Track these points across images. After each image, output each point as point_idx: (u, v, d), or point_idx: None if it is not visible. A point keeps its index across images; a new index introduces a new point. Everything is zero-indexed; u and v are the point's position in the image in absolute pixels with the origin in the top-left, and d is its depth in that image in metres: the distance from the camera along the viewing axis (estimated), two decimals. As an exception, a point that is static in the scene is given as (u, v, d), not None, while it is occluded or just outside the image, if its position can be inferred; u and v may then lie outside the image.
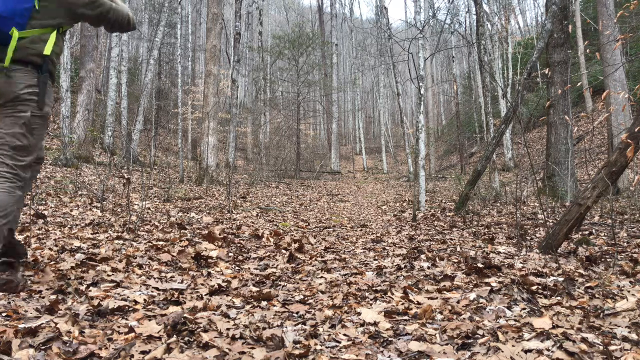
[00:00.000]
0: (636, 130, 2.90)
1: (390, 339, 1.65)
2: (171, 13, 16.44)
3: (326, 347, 1.56)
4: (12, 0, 1.92)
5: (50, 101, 2.12)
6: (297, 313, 1.96)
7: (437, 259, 3.11)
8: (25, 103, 2.00)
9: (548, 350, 1.49)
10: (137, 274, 2.48)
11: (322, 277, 2.66)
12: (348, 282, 2.50)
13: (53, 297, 1.92)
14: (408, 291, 2.26)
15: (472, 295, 2.12)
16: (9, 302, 1.81)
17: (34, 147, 2.07)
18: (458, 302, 2.05)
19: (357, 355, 1.50)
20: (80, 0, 2.12)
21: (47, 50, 2.03)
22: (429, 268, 2.83)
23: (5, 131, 1.99)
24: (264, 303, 2.09)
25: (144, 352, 1.44)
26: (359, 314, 1.90)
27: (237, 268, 2.90)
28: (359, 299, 2.17)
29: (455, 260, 3.05)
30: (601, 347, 1.48)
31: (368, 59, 30.77)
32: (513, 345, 1.53)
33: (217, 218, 5.57)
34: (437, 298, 2.15)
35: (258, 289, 2.32)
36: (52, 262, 2.48)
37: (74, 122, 11.00)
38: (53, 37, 2.06)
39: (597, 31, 8.91)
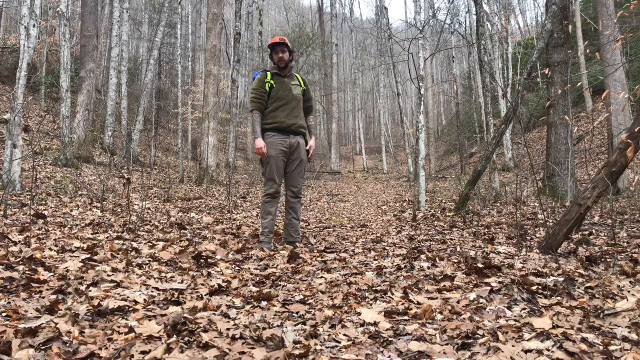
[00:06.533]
0: (636, 130, 2.90)
1: (390, 339, 1.64)
2: (171, 13, 16.44)
3: (326, 347, 1.56)
4: None
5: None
6: (297, 313, 1.96)
7: (437, 259, 3.10)
8: None
9: (548, 350, 1.49)
10: (137, 274, 2.48)
11: (322, 277, 2.66)
12: (348, 282, 2.50)
13: (53, 297, 1.92)
14: (408, 291, 2.26)
15: (472, 295, 2.12)
16: (9, 302, 1.81)
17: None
18: (458, 302, 2.05)
19: (357, 355, 1.49)
20: None
21: None
22: (429, 268, 2.83)
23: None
24: (264, 303, 2.09)
25: (144, 352, 1.44)
26: (359, 314, 1.90)
27: (237, 268, 2.91)
28: (359, 299, 2.17)
29: (455, 260, 3.05)
30: (601, 347, 1.48)
31: (368, 59, 30.74)
32: (513, 345, 1.53)
33: (217, 218, 5.56)
34: (437, 298, 2.15)
35: (258, 289, 2.32)
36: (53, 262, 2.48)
37: (74, 122, 11.00)
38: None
39: (597, 31, 8.90)
